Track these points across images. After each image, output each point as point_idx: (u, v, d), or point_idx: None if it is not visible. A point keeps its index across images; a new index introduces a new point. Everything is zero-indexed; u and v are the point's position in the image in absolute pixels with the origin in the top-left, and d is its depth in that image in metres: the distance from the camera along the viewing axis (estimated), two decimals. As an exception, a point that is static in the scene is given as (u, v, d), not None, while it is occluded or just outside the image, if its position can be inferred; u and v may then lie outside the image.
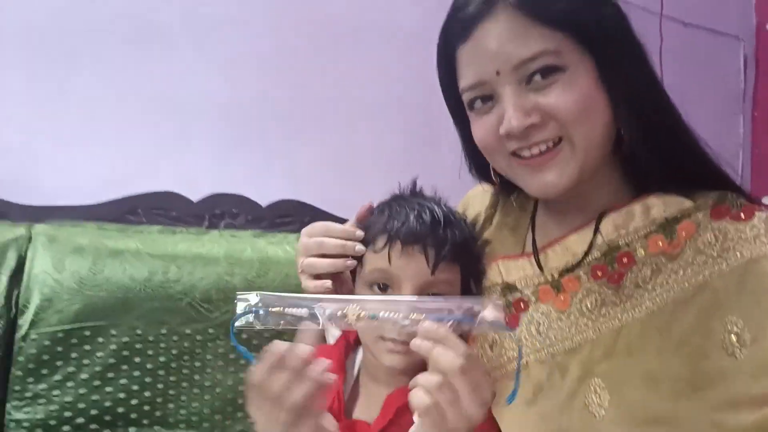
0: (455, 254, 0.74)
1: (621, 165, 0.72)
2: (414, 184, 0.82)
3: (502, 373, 0.74)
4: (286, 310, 0.58)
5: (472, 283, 0.82)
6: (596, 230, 0.70)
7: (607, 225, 0.70)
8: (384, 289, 0.74)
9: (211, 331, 1.03)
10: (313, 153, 1.35)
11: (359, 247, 0.75)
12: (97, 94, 1.22)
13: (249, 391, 0.58)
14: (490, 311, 0.58)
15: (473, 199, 0.91)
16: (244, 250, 1.11)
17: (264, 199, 1.32)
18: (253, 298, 0.59)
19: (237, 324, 0.58)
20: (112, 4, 1.22)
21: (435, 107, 0.77)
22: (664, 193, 0.68)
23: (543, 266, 0.74)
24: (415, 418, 0.58)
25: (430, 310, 0.59)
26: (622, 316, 0.66)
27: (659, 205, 0.68)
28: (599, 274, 0.69)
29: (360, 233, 0.76)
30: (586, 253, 0.70)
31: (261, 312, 0.58)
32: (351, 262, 0.74)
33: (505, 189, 0.82)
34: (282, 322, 0.59)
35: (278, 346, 0.57)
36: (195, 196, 1.27)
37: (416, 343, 0.58)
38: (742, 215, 0.64)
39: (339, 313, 0.59)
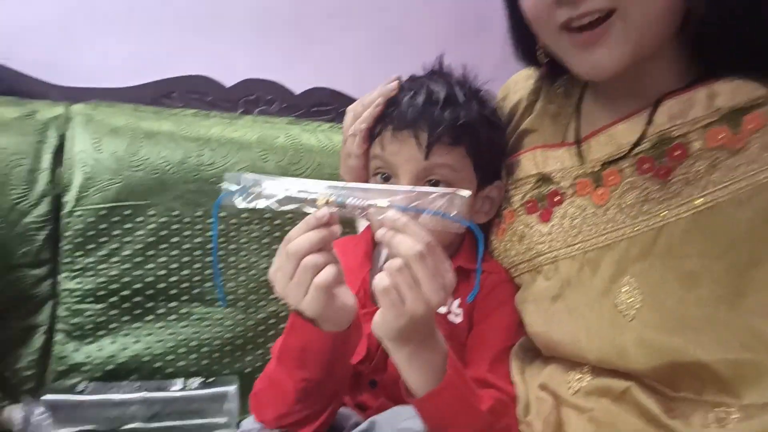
0: (456, 136, 0.70)
1: (686, 44, 0.63)
2: (439, 61, 0.77)
3: (532, 266, 0.73)
4: (264, 192, 0.58)
5: (504, 173, 0.79)
6: (650, 118, 0.64)
7: (662, 114, 0.63)
8: (386, 179, 0.73)
9: (245, 215, 1.05)
10: (349, 39, 1.29)
11: (393, 84, 0.74)
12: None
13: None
14: (452, 204, 0.56)
15: (515, 85, 0.85)
16: (277, 137, 1.10)
17: (298, 86, 1.28)
18: (240, 178, 0.59)
19: (222, 204, 0.58)
20: None
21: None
22: (734, 78, 0.61)
23: (584, 157, 0.69)
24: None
25: (403, 199, 0.57)
26: (665, 214, 0.61)
27: (727, 93, 0.60)
28: (646, 167, 0.64)
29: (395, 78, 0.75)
30: (635, 144, 0.64)
31: (243, 193, 0.58)
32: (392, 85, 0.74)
33: (552, 72, 0.76)
34: (267, 203, 0.58)
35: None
36: (229, 81, 1.25)
37: (380, 234, 0.57)
38: None
39: (309, 197, 0.57)
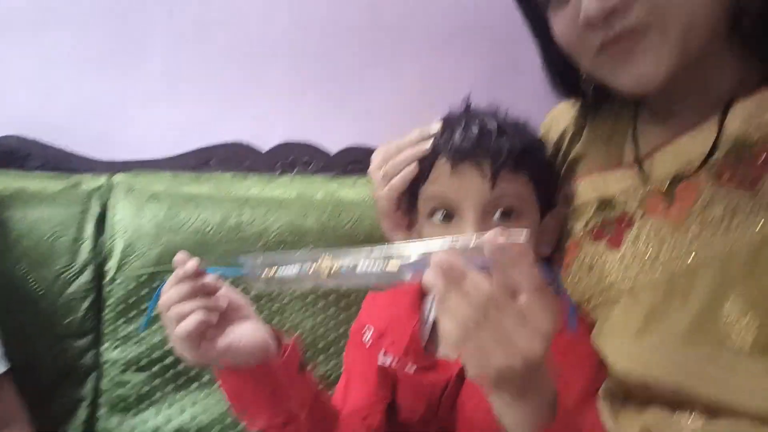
0: (518, 162, 0.66)
1: (744, 42, 0.59)
2: (466, 102, 0.75)
3: (606, 298, 0.67)
4: (278, 272, 0.54)
5: (560, 204, 0.75)
6: (721, 124, 0.58)
7: (734, 117, 0.58)
8: (449, 218, 0.69)
9: (287, 273, 1.03)
10: (381, 91, 1.29)
11: (435, 124, 0.70)
12: (168, 52, 1.22)
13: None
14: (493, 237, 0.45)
15: (558, 117, 0.82)
16: (315, 193, 1.09)
17: (333, 145, 1.28)
18: (254, 260, 0.56)
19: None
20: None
21: (515, 29, 0.70)
22: None
23: (649, 176, 0.64)
24: None
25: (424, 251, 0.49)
26: (763, 225, 0.54)
27: None
28: (727, 177, 0.58)
29: (435, 125, 0.71)
30: (708, 155, 0.59)
31: (253, 276, 0.55)
32: (428, 147, 0.70)
33: (598, 97, 0.73)
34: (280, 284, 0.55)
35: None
36: (265, 145, 1.26)
37: (428, 279, 0.46)
38: None
39: (311, 271, 0.53)
